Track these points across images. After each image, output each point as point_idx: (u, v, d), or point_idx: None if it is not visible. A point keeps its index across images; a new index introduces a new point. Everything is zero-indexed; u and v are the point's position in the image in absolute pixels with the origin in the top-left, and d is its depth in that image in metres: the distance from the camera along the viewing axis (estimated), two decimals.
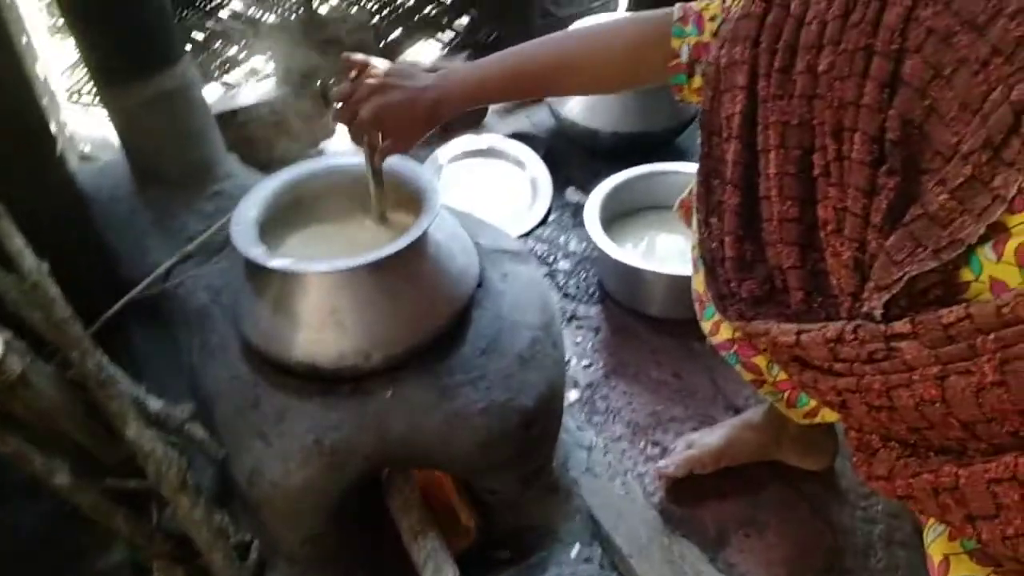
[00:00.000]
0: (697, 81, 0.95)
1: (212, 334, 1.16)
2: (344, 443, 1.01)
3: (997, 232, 0.66)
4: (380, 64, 0.99)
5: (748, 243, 0.89)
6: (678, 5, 0.96)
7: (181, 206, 1.36)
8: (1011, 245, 0.65)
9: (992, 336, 0.62)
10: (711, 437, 1.37)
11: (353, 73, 0.99)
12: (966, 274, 0.69)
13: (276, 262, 0.99)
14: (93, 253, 1.39)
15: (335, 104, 1.00)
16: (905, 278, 0.70)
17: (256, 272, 1.05)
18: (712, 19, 0.93)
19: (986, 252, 0.67)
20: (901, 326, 0.69)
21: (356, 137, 1.01)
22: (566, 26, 2.30)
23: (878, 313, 0.73)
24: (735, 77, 0.86)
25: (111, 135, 1.47)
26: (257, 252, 1.00)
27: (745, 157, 0.87)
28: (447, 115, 1.00)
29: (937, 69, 0.70)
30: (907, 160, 0.73)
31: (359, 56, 0.99)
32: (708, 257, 0.92)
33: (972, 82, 0.68)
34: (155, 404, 1.06)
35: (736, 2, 0.91)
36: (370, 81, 0.97)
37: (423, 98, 0.97)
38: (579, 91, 1.15)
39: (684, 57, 0.95)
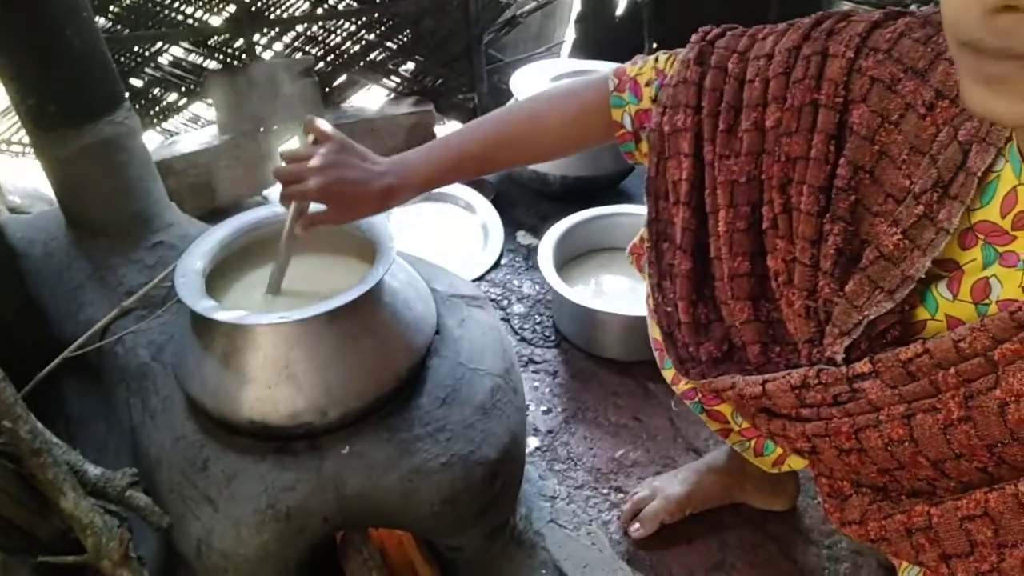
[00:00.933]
0: (645, 146, 0.96)
1: (154, 394, 1.10)
2: (300, 505, 0.96)
3: (950, 270, 0.68)
4: (339, 137, 0.96)
5: (702, 306, 0.90)
6: (612, 73, 0.96)
7: (120, 258, 1.30)
8: (966, 283, 0.67)
9: (952, 371, 0.63)
10: (675, 487, 1.35)
11: (311, 138, 0.96)
12: (922, 313, 0.70)
13: (224, 314, 0.94)
14: (24, 311, 1.31)
15: (283, 162, 0.95)
16: (864, 322, 0.71)
17: (203, 326, 1.00)
18: (648, 84, 0.93)
19: (941, 290, 0.69)
20: (861, 366, 0.70)
21: (287, 199, 0.96)
22: (511, 71, 2.34)
23: (839, 357, 0.74)
24: (679, 144, 0.88)
25: (43, 186, 1.40)
26: (204, 304, 0.95)
27: (694, 223, 0.88)
28: (396, 203, 0.97)
29: (884, 116, 0.73)
30: (855, 205, 0.75)
31: (322, 123, 0.96)
32: (664, 321, 0.93)
33: (920, 125, 0.70)
34: (93, 471, 0.99)
35: (668, 63, 0.92)
36: (327, 152, 0.93)
37: (377, 183, 0.94)
38: (528, 164, 1.17)
39: (628, 126, 0.96)
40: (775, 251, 0.83)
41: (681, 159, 0.88)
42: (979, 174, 0.64)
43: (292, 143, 0.95)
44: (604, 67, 0.98)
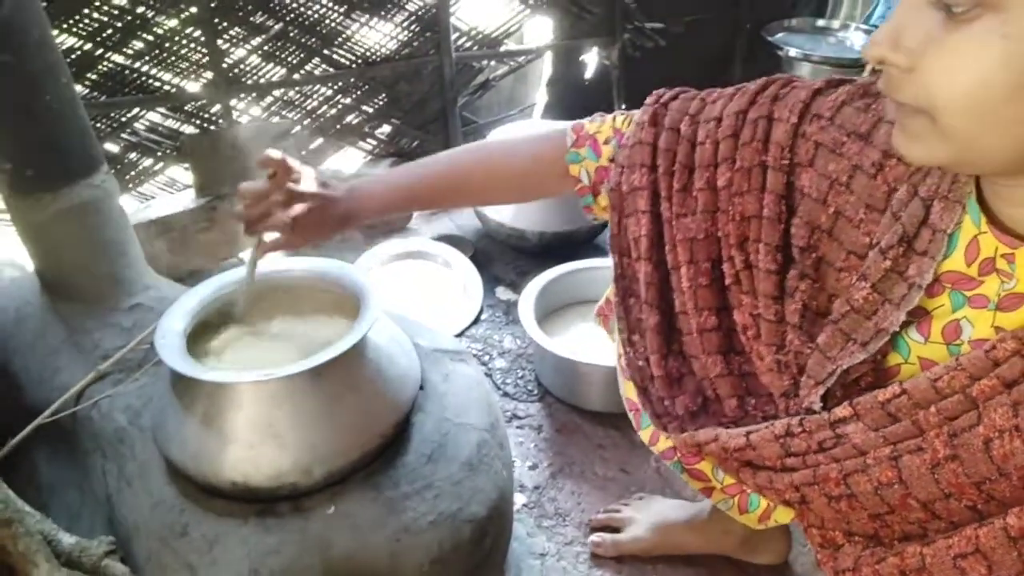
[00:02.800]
0: (604, 200, 0.98)
1: (131, 459, 1.07)
2: (285, 569, 0.93)
3: (919, 316, 0.69)
4: (297, 167, 0.98)
5: (673, 359, 0.91)
6: (570, 128, 0.99)
7: (96, 322, 1.28)
8: (936, 326, 0.68)
9: (933, 409, 0.63)
10: (646, 533, 1.34)
11: (269, 171, 0.97)
12: (895, 358, 0.72)
13: (207, 374, 0.93)
14: None
15: (244, 199, 0.96)
16: (838, 371, 0.72)
17: (183, 386, 0.98)
18: (607, 142, 0.96)
19: (912, 335, 0.70)
20: (842, 410, 0.71)
21: (251, 233, 0.98)
22: (485, 133, 2.38)
23: (817, 406, 0.74)
24: (637, 202, 0.90)
25: (17, 252, 1.38)
26: (185, 364, 0.94)
27: (657, 277, 0.90)
28: (354, 226, 1.01)
29: (833, 178, 0.76)
30: (819, 262, 0.77)
31: (279, 155, 0.98)
32: (638, 377, 0.94)
33: (871, 185, 0.73)
34: (68, 540, 0.96)
35: (625, 123, 0.95)
36: (285, 186, 0.95)
37: (334, 208, 0.97)
38: (481, 204, 1.21)
39: (586, 181, 0.99)
40: (740, 306, 0.85)
41: (640, 216, 0.90)
42: (948, 231, 0.66)
43: (252, 183, 0.97)
44: (576, 122, 1.01)
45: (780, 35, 2.99)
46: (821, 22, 3.18)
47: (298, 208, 0.94)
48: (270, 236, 0.99)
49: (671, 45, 2.86)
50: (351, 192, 0.99)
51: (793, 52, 2.84)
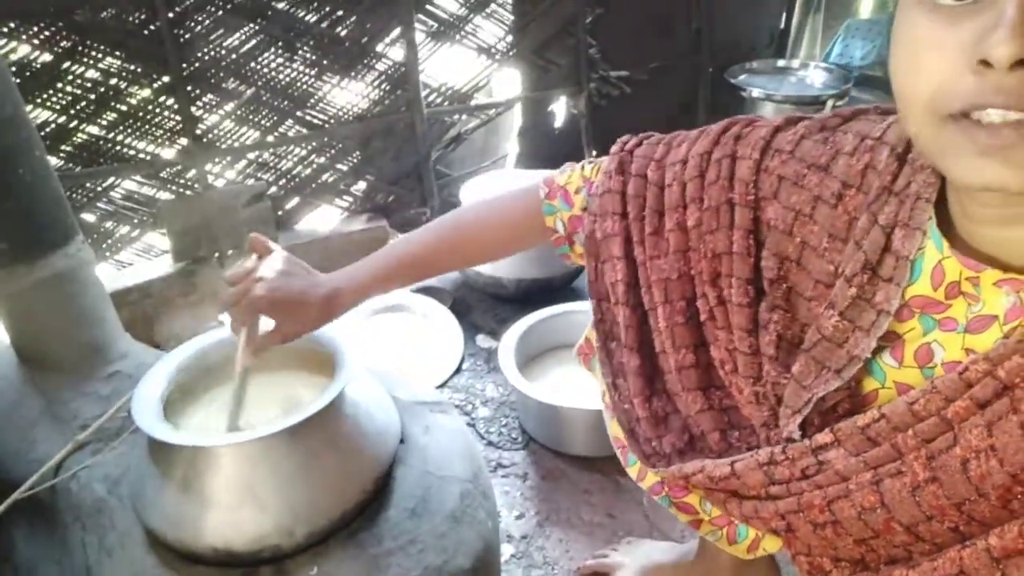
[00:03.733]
0: (580, 248, 1.00)
1: (111, 529, 1.06)
2: None
3: (891, 341, 0.70)
4: (282, 253, 0.99)
5: (657, 399, 0.92)
6: (541, 182, 1.02)
7: (73, 392, 1.27)
8: (909, 350, 0.69)
9: (910, 432, 0.64)
10: None
11: (255, 255, 0.99)
12: (871, 384, 0.73)
13: (184, 438, 0.93)
14: None
15: (230, 282, 0.97)
16: (814, 399, 0.73)
17: (161, 452, 0.98)
18: (577, 192, 0.99)
19: (886, 359, 0.71)
20: (823, 436, 0.71)
21: (238, 322, 0.97)
22: (460, 186, 2.41)
23: (796, 435, 0.75)
24: (611, 248, 0.92)
25: None
26: (162, 429, 0.94)
27: (636, 320, 0.92)
28: (339, 311, 1.00)
29: (797, 210, 0.78)
30: (789, 292, 0.79)
31: (264, 240, 0.99)
32: (624, 419, 0.95)
33: (833, 215, 0.76)
34: None
35: (594, 172, 0.98)
36: (270, 265, 0.96)
37: (320, 290, 0.97)
38: (466, 267, 1.22)
39: (561, 231, 1.01)
40: (716, 341, 0.86)
41: (615, 262, 0.92)
42: (911, 257, 0.68)
43: (239, 265, 0.97)
44: (546, 175, 1.04)
45: (742, 77, 3.08)
46: (781, 62, 3.28)
47: (277, 285, 0.94)
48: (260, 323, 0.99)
49: (636, 92, 2.94)
50: (336, 277, 1.00)
51: (756, 93, 2.92)
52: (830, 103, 2.90)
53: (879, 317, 0.70)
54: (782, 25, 3.47)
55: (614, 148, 0.97)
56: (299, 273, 0.97)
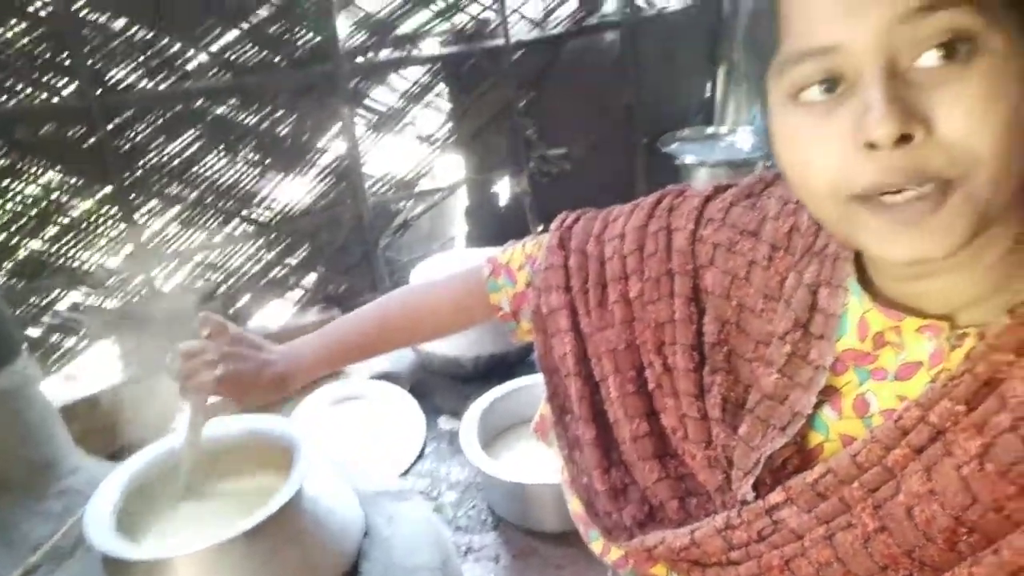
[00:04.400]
0: (526, 324, 1.02)
1: None
2: None
3: (830, 394, 0.72)
4: (233, 330, 1.00)
5: (615, 471, 0.91)
6: (486, 261, 1.05)
7: (23, 511, 1.23)
8: (846, 401, 0.71)
9: (856, 484, 0.65)
10: None
11: (205, 332, 0.99)
12: (816, 438, 0.74)
13: (138, 552, 0.90)
14: None
15: (179, 358, 0.97)
16: (763, 458, 0.74)
17: (116, 569, 0.94)
18: (520, 268, 1.02)
19: (827, 413, 0.73)
20: (776, 495, 0.72)
21: (186, 394, 0.98)
22: (409, 271, 2.44)
23: (750, 496, 0.75)
24: (558, 321, 0.94)
25: None
26: (115, 545, 0.91)
27: (587, 391, 0.92)
28: (291, 388, 1.01)
29: (733, 274, 0.81)
30: (730, 355, 0.81)
31: (216, 318, 1.00)
32: (583, 493, 0.94)
33: (766, 276, 0.79)
34: None
35: (536, 248, 1.01)
36: (220, 346, 0.97)
37: (269, 371, 0.98)
38: (414, 344, 1.23)
39: (507, 308, 1.03)
40: (666, 410, 0.87)
41: (563, 335, 0.93)
42: (838, 314, 0.70)
43: (188, 343, 0.97)
44: (489, 254, 1.07)
45: (675, 146, 3.20)
46: (711, 129, 3.43)
47: (226, 368, 0.95)
48: (209, 400, 0.99)
49: (576, 167, 3.03)
50: (285, 356, 1.01)
51: (689, 160, 3.04)
52: (760, 164, 3.03)
53: (816, 373, 0.71)
54: (708, 94, 3.64)
55: (553, 225, 1.00)
56: (250, 356, 0.98)
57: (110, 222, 2.24)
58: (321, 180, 2.57)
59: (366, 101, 2.59)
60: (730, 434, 0.79)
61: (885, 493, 0.62)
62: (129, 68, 2.19)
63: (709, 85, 3.64)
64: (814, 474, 0.68)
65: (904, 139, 0.50)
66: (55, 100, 2.10)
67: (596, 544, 1.05)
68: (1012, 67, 0.50)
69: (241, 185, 2.42)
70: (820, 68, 0.54)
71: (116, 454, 1.97)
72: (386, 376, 2.38)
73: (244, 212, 2.46)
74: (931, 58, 0.50)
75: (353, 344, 1.05)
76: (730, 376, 0.80)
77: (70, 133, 2.11)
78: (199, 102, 2.29)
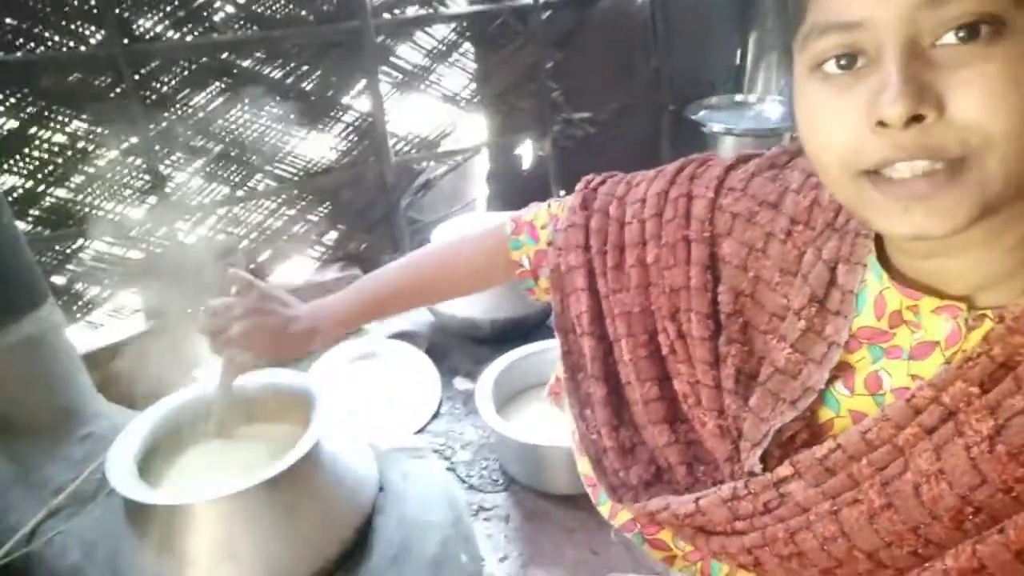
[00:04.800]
0: (544, 283, 1.03)
1: None
2: None
3: (843, 371, 0.72)
4: (261, 286, 1.02)
5: (624, 429, 0.92)
6: (509, 219, 1.05)
7: (46, 456, 1.26)
8: (859, 378, 0.71)
9: (864, 461, 0.65)
10: None
11: (235, 289, 1.00)
12: (826, 414, 0.74)
13: (159, 497, 0.93)
14: None
15: (210, 313, 0.99)
16: (771, 431, 0.74)
17: (137, 512, 0.97)
18: (543, 227, 1.02)
19: (839, 389, 0.73)
20: (784, 469, 0.72)
21: (217, 349, 1.00)
22: (430, 231, 2.44)
23: (758, 468, 0.76)
24: (575, 280, 0.94)
25: None
26: (137, 489, 0.94)
27: (600, 350, 0.93)
28: (317, 344, 1.02)
29: (750, 245, 0.81)
30: (745, 327, 0.81)
31: (243, 275, 1.01)
32: (592, 450, 0.95)
33: (783, 250, 0.78)
34: None
35: (560, 208, 1.01)
36: (248, 302, 0.99)
37: (296, 327, 1.00)
38: (437, 302, 1.25)
39: (527, 265, 1.04)
40: (679, 375, 0.88)
41: (579, 294, 0.94)
42: (855, 290, 0.70)
43: (217, 300, 1.00)
44: (513, 214, 1.07)
45: (702, 113, 3.16)
46: (739, 97, 3.37)
47: (253, 323, 0.97)
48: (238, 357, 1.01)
49: (600, 132, 3.00)
50: (312, 312, 1.03)
51: (716, 128, 2.99)
52: (787, 135, 2.98)
53: (830, 349, 0.71)
54: (737, 61, 3.57)
55: (579, 186, 1.00)
56: (277, 311, 1.00)
57: (134, 172, 2.25)
58: (345, 137, 2.57)
59: (391, 59, 2.57)
60: (741, 405, 0.79)
61: (893, 471, 0.62)
62: (156, 18, 2.18)
63: (739, 52, 3.56)
64: (823, 449, 0.68)
65: (916, 119, 0.51)
66: (82, 49, 2.10)
67: (604, 507, 1.06)
68: None
69: (265, 140, 2.42)
70: (842, 42, 0.54)
71: (138, 403, 2.01)
72: (403, 336, 2.39)
73: (267, 167, 2.46)
74: (952, 38, 0.50)
75: (385, 299, 1.07)
76: (744, 348, 0.80)
77: (96, 82, 2.12)
78: (225, 55, 2.29)
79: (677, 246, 0.86)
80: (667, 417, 0.89)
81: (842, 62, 0.55)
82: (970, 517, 0.58)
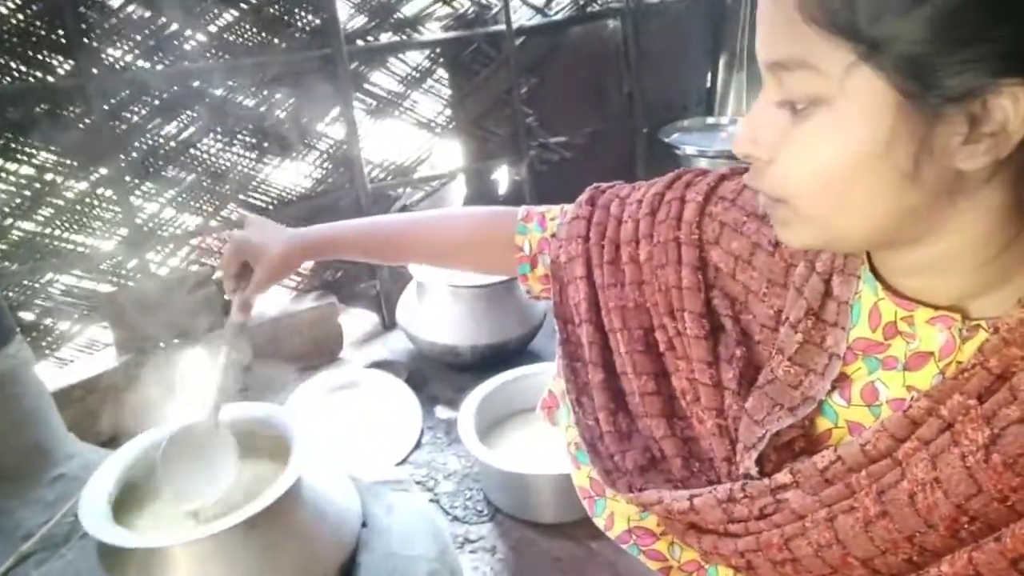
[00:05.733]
0: (540, 271, 1.03)
1: None
2: None
3: (840, 381, 0.73)
4: (256, 218, 1.10)
5: (621, 415, 0.93)
6: (523, 207, 1.05)
7: (16, 500, 1.22)
8: (855, 389, 0.72)
9: (863, 473, 0.65)
10: None
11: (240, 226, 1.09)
12: (824, 423, 0.75)
13: (134, 539, 0.89)
14: None
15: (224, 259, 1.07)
16: (768, 436, 0.74)
17: (112, 557, 0.93)
18: (552, 219, 1.03)
19: (835, 399, 0.73)
20: (783, 476, 0.73)
21: (227, 272, 1.08)
22: None
23: (754, 471, 0.76)
24: (575, 269, 0.95)
25: None
26: (111, 532, 0.90)
27: (599, 338, 0.94)
28: (304, 247, 1.08)
29: (737, 256, 0.82)
30: (743, 333, 0.81)
31: (244, 213, 1.10)
32: (587, 435, 0.95)
33: (770, 261, 0.79)
34: None
35: (572, 206, 1.02)
36: (246, 224, 1.08)
37: (279, 236, 1.06)
38: (428, 261, 1.25)
39: (527, 250, 1.04)
40: (678, 371, 0.88)
41: (578, 282, 0.95)
42: (850, 301, 0.71)
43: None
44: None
45: (676, 136, 3.19)
46: (711, 119, 3.41)
47: (239, 238, 1.05)
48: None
49: (576, 156, 3.01)
50: (297, 231, 1.08)
51: (689, 150, 3.02)
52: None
53: (831, 360, 0.72)
54: (708, 84, 3.62)
55: (589, 187, 1.02)
56: (268, 226, 1.08)
57: (104, 204, 2.21)
58: (319, 165, 2.55)
59: (365, 85, 2.57)
60: (741, 407, 0.79)
61: (889, 479, 0.63)
62: (126, 48, 2.16)
63: (709, 75, 3.62)
64: (823, 461, 0.69)
65: (749, 157, 0.61)
66: (50, 79, 2.07)
67: (600, 519, 1.05)
68: (840, 129, 0.56)
69: (238, 169, 2.40)
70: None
71: (110, 442, 1.96)
72: (382, 364, 2.37)
73: (240, 196, 2.43)
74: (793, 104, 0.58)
75: (375, 236, 1.09)
76: (747, 352, 0.81)
77: (65, 113, 2.08)
78: (196, 83, 2.26)
79: (668, 246, 0.87)
80: (664, 412, 0.89)
81: None
82: (965, 526, 0.59)
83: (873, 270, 0.71)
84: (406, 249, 1.12)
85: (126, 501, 1.04)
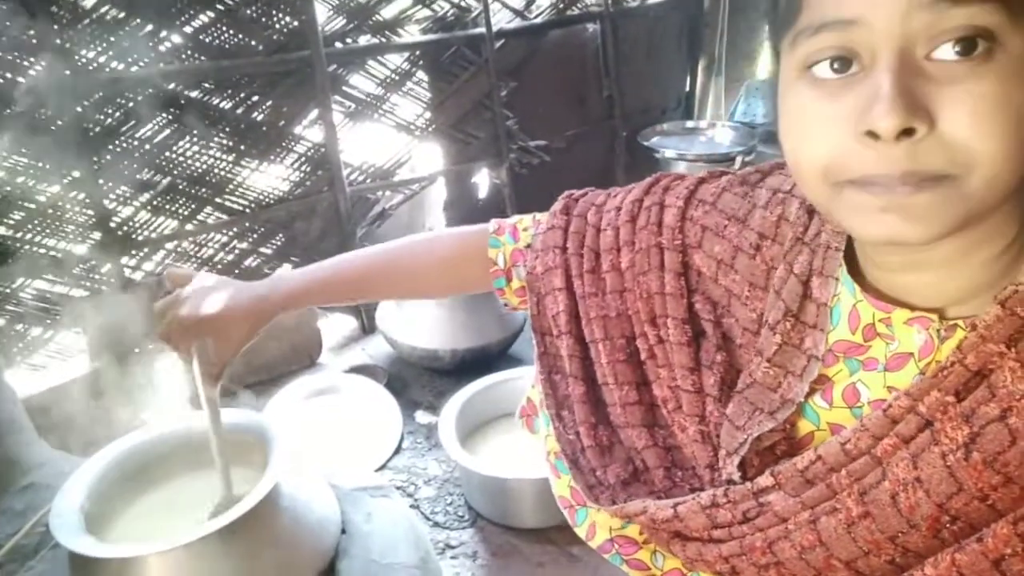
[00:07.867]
0: (516, 284, 1.02)
1: None
2: None
3: (822, 384, 0.73)
4: (202, 276, 0.98)
5: (602, 428, 0.92)
6: (493, 221, 1.03)
7: None
8: (837, 391, 0.72)
9: (844, 472, 0.65)
10: None
11: (171, 285, 0.97)
12: (806, 426, 0.75)
13: (107, 550, 0.87)
14: None
15: (157, 315, 0.95)
16: (749, 440, 0.74)
17: (84, 567, 0.91)
18: (525, 230, 1.01)
19: (817, 402, 0.73)
20: (764, 479, 0.72)
21: (182, 353, 0.95)
22: None
23: (737, 476, 0.76)
24: (552, 280, 0.94)
25: None
26: (83, 542, 0.88)
27: (579, 350, 0.92)
28: (270, 312, 0.98)
29: (719, 259, 0.82)
30: (725, 337, 0.81)
31: (182, 270, 0.98)
32: (569, 450, 0.94)
33: (751, 264, 0.79)
34: None
35: (544, 216, 1.01)
36: (191, 288, 0.95)
37: (248, 292, 0.96)
38: (403, 295, 1.20)
39: (501, 264, 1.02)
40: (659, 380, 0.88)
41: (556, 294, 0.94)
42: (829, 303, 0.71)
43: (160, 301, 0.97)
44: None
45: (655, 139, 3.20)
46: (690, 123, 3.43)
47: (200, 299, 0.92)
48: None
49: (556, 160, 3.01)
50: (260, 285, 0.99)
51: (668, 153, 3.03)
52: (739, 159, 3.03)
53: (809, 362, 0.72)
54: (687, 88, 3.64)
55: (561, 196, 1.00)
56: (222, 287, 0.96)
57: (78, 207, 2.17)
58: (297, 168, 2.52)
59: (344, 88, 2.55)
60: (723, 413, 0.79)
61: (871, 480, 0.62)
62: (99, 48, 2.13)
63: (688, 79, 3.64)
64: (804, 461, 0.68)
65: (907, 132, 0.49)
66: (21, 80, 2.03)
67: (582, 528, 1.04)
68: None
69: (215, 172, 2.37)
70: (835, 43, 0.53)
71: (83, 449, 1.93)
72: (361, 369, 2.34)
73: (217, 200, 2.40)
74: (947, 52, 0.49)
75: (348, 278, 1.02)
76: (728, 357, 0.80)
77: (37, 115, 2.04)
78: (172, 85, 2.23)
79: (651, 251, 0.86)
80: (645, 421, 0.89)
81: (835, 65, 0.53)
82: (947, 525, 0.58)
83: (852, 272, 0.71)
84: (380, 286, 1.07)
85: (99, 510, 1.02)
